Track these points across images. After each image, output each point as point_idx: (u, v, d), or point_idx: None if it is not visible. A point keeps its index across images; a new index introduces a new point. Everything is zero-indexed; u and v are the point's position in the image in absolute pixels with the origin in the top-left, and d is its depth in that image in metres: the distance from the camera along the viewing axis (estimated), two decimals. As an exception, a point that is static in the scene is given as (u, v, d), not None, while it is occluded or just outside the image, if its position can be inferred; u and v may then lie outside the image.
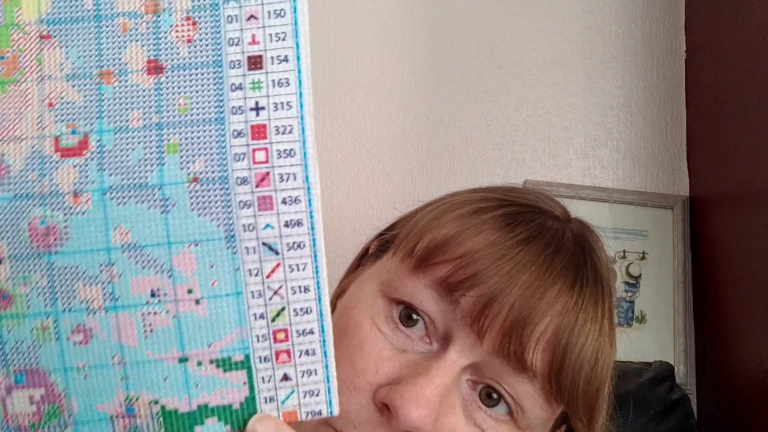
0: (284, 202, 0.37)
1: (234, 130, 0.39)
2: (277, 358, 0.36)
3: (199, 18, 0.40)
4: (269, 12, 0.41)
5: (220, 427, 0.36)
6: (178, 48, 0.39)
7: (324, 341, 0.36)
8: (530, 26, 1.24)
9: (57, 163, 0.36)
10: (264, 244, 0.36)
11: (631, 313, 1.11)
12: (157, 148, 0.37)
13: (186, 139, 0.37)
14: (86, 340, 0.36)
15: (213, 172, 0.37)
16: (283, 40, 0.42)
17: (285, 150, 0.39)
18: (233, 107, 0.39)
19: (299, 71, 0.42)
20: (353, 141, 1.24)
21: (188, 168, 0.37)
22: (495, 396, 0.42)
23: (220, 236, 0.36)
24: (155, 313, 0.36)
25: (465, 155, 1.22)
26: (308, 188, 0.38)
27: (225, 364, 0.36)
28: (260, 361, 0.36)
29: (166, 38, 0.39)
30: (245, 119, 0.39)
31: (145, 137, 0.37)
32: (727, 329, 1.01)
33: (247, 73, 0.40)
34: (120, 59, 0.37)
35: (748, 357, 0.94)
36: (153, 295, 0.36)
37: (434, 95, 1.24)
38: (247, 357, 0.36)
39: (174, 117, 0.37)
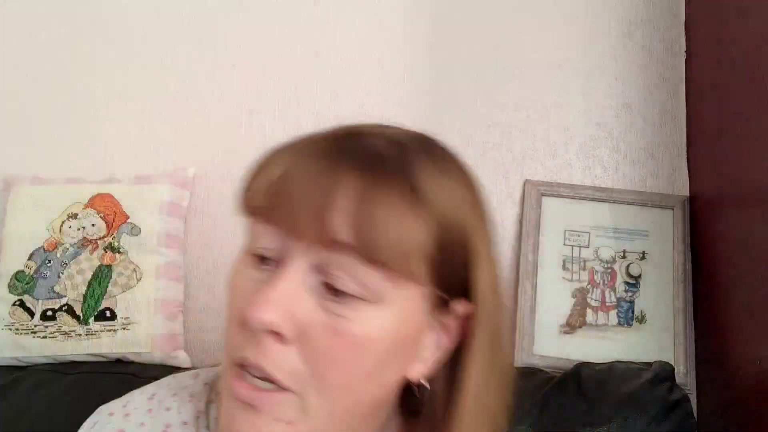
0: None
1: None
2: None
3: None
4: None
5: None
6: None
7: None
8: (530, 26, 1.24)
9: None
10: None
11: (631, 313, 1.11)
12: None
13: None
14: None
15: None
16: None
17: None
18: None
19: None
20: (353, 141, 1.24)
21: None
22: (339, 286, 0.48)
23: None
24: None
25: (465, 155, 1.21)
26: None
27: None
28: None
29: None
30: None
31: None
32: (727, 329, 1.01)
33: None
34: None
35: (748, 357, 0.94)
36: None
37: (434, 95, 1.24)
38: None
39: None
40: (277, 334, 0.47)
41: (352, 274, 0.47)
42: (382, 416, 0.55)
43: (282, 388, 0.48)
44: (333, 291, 0.48)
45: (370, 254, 0.47)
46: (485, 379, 0.54)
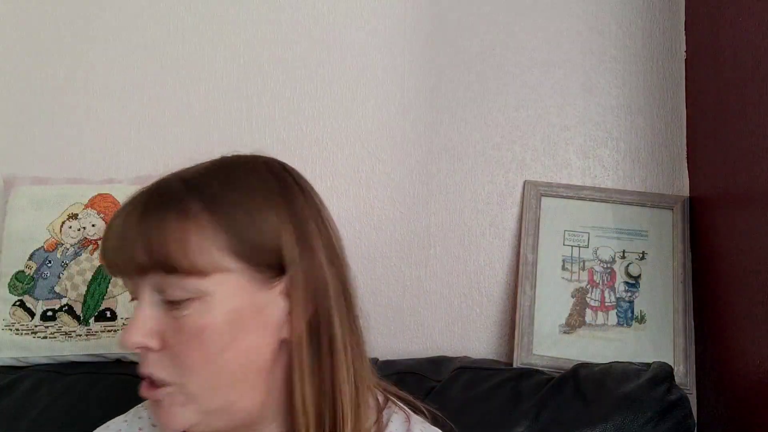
0: None
1: None
2: None
3: None
4: None
5: None
6: None
7: None
8: (530, 26, 1.24)
9: None
10: None
11: (631, 313, 1.11)
12: None
13: None
14: None
15: None
16: None
17: None
18: None
19: None
20: (353, 141, 1.25)
21: None
22: (172, 300, 0.62)
23: None
24: None
25: (465, 155, 1.23)
26: None
27: None
28: None
29: None
30: None
31: None
32: (727, 329, 1.01)
33: None
34: None
35: (748, 357, 0.94)
36: None
37: (434, 95, 1.24)
38: None
39: None
40: (148, 348, 0.62)
41: (173, 284, 0.61)
42: (275, 372, 0.66)
43: (168, 384, 0.63)
44: (170, 301, 0.62)
45: (167, 268, 0.61)
46: (320, 328, 0.66)
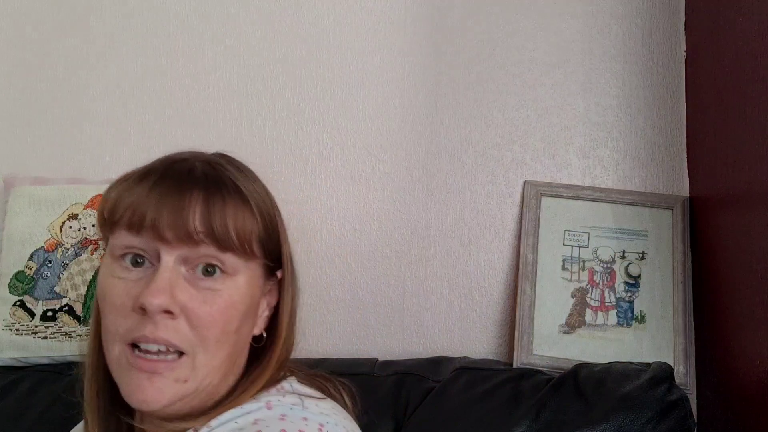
0: None
1: None
2: None
3: None
4: None
5: None
6: None
7: None
8: (530, 26, 1.24)
9: None
10: None
11: (631, 313, 1.11)
12: None
13: None
14: None
15: None
16: None
17: None
18: None
19: None
20: (353, 141, 1.25)
21: None
22: (209, 269, 0.65)
23: None
24: None
25: (465, 155, 1.23)
26: None
27: None
28: None
29: None
30: None
31: None
32: (727, 329, 1.01)
33: None
34: None
35: (748, 357, 0.94)
36: None
37: (434, 95, 1.24)
38: None
39: None
40: (168, 312, 0.62)
41: (213, 257, 0.64)
42: (242, 364, 0.71)
43: (178, 353, 0.64)
44: (204, 271, 0.65)
45: (221, 244, 0.64)
46: (291, 326, 0.74)
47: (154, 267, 0.65)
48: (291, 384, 0.71)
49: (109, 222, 0.67)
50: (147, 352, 0.63)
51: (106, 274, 0.67)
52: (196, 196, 0.65)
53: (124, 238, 0.65)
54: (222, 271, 0.65)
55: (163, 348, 0.63)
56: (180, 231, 0.63)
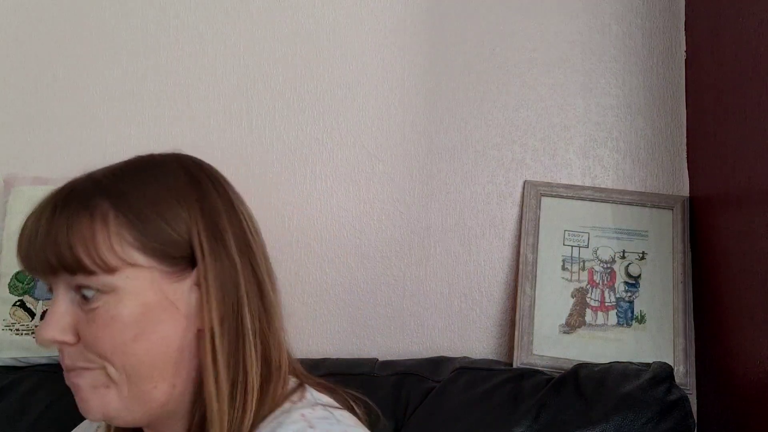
0: None
1: None
2: None
3: None
4: None
5: None
6: None
7: None
8: (530, 26, 1.24)
9: None
10: None
11: (631, 313, 1.11)
12: None
13: None
14: None
15: None
16: None
17: None
18: None
19: None
20: (353, 141, 1.25)
21: None
22: (83, 293, 0.64)
23: None
24: None
25: (465, 155, 1.23)
26: None
27: None
28: None
29: None
30: None
31: None
32: (727, 329, 1.01)
33: None
34: None
35: (748, 357, 0.94)
36: None
37: (434, 95, 1.24)
38: None
39: None
40: (64, 342, 0.64)
41: (82, 281, 0.63)
42: (191, 363, 0.68)
43: (89, 368, 0.65)
44: (82, 296, 0.64)
45: (72, 269, 0.63)
46: (227, 318, 0.67)
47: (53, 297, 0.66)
48: (311, 393, 0.70)
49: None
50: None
51: None
52: (45, 220, 0.64)
53: None
54: (97, 290, 0.64)
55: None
56: (39, 264, 0.64)
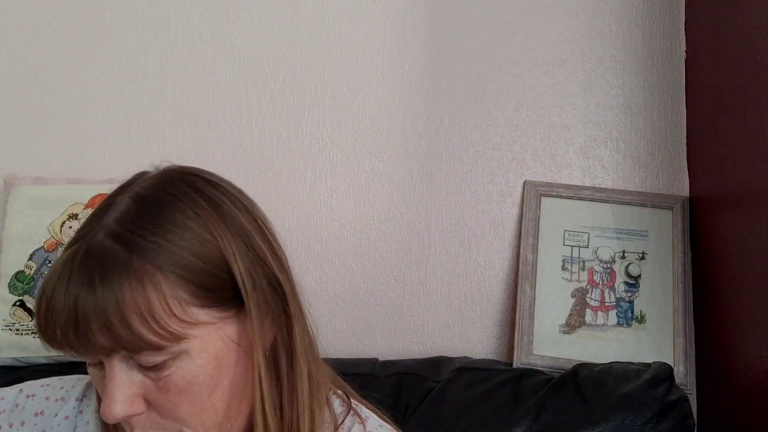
0: None
1: None
2: None
3: None
4: None
5: None
6: None
7: None
8: (530, 26, 1.24)
9: None
10: None
11: (631, 313, 1.11)
12: None
13: None
14: None
15: None
16: None
17: None
18: None
19: None
20: (353, 141, 1.25)
21: None
22: (145, 364, 0.58)
23: None
24: None
25: (465, 155, 1.23)
26: None
27: None
28: None
29: None
30: None
31: None
32: (727, 329, 1.01)
33: None
34: None
35: (748, 357, 0.94)
36: None
37: (434, 95, 1.24)
38: None
39: None
40: (135, 415, 0.59)
41: (148, 358, 0.57)
42: (249, 398, 0.64)
43: None
44: (146, 367, 0.58)
45: (131, 350, 0.56)
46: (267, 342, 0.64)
47: (107, 370, 0.60)
48: (361, 408, 0.70)
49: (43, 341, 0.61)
50: None
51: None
52: (89, 301, 0.55)
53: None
54: (164, 358, 0.58)
55: None
56: (89, 346, 0.56)
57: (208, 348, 0.60)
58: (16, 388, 0.75)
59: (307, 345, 0.66)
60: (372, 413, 0.72)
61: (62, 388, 0.74)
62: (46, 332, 0.58)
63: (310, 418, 0.65)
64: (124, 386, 0.58)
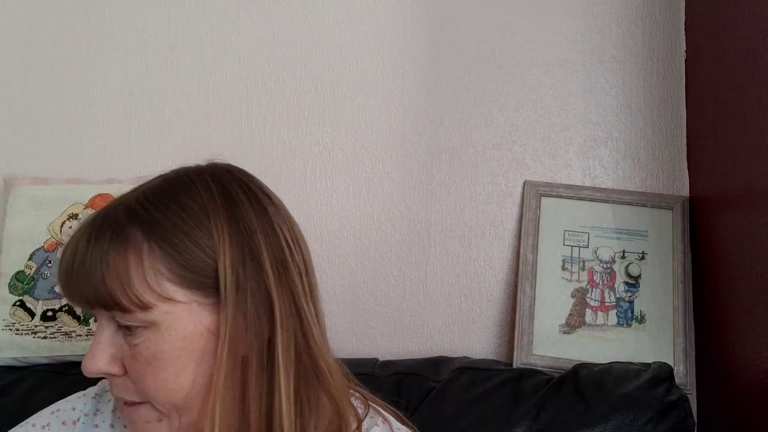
0: None
1: None
2: None
3: None
4: None
5: None
6: None
7: None
8: (530, 26, 1.24)
9: None
10: None
11: (631, 313, 1.11)
12: None
13: None
14: None
15: None
16: None
17: None
18: None
19: None
20: (353, 141, 1.25)
21: None
22: (123, 323, 0.62)
23: None
24: None
25: (465, 155, 1.23)
26: None
27: None
28: None
29: None
30: None
31: None
32: (727, 329, 1.01)
33: None
34: None
35: (748, 357, 0.94)
36: None
37: (434, 95, 1.24)
38: None
39: None
40: (111, 374, 0.63)
41: (119, 318, 0.61)
42: (236, 390, 0.63)
43: (139, 403, 0.64)
44: (125, 327, 0.62)
45: (108, 306, 0.60)
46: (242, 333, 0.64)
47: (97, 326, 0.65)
48: (379, 410, 0.71)
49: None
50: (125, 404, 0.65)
51: None
52: (82, 253, 0.61)
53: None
54: (137, 325, 0.61)
55: None
56: (77, 296, 0.62)
57: (178, 327, 0.62)
58: (27, 423, 0.76)
59: (294, 353, 0.65)
60: (389, 415, 0.73)
61: (73, 409, 0.76)
62: (59, 282, 0.64)
63: (289, 427, 0.63)
64: (106, 344, 0.63)
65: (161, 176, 0.68)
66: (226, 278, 0.62)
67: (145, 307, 0.60)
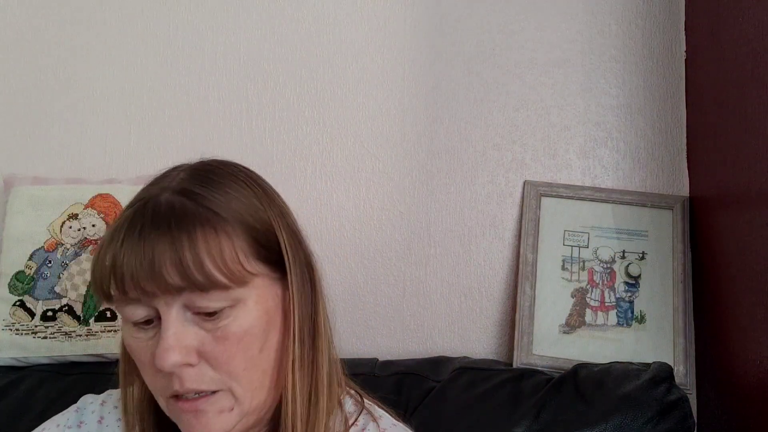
0: None
1: None
2: None
3: None
4: None
5: None
6: None
7: None
8: (530, 26, 1.24)
9: None
10: None
11: (631, 313, 1.11)
12: None
13: None
14: None
15: None
16: None
17: None
18: None
19: None
20: (353, 141, 1.25)
21: None
22: (204, 310, 0.62)
23: None
24: None
25: (465, 155, 1.23)
26: None
27: None
28: None
29: None
30: None
31: None
32: (727, 329, 1.01)
33: None
34: None
35: (748, 357, 0.94)
36: None
37: (434, 95, 1.24)
38: None
39: None
40: (188, 365, 0.62)
41: (208, 298, 0.61)
42: (288, 365, 0.67)
43: (215, 391, 0.63)
44: (205, 314, 0.62)
45: (200, 288, 0.60)
46: (305, 320, 0.68)
47: (161, 322, 0.63)
48: (374, 408, 0.72)
49: (104, 295, 0.64)
50: (186, 398, 0.64)
51: (126, 335, 0.66)
52: (163, 242, 0.61)
53: (124, 308, 0.64)
54: (224, 306, 0.63)
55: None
56: (161, 285, 0.60)
57: (263, 302, 0.65)
58: None
59: (328, 329, 0.70)
60: (385, 413, 0.74)
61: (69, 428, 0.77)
62: (110, 286, 0.62)
63: (329, 399, 0.68)
64: (181, 335, 0.62)
65: (182, 171, 0.68)
66: (288, 252, 0.67)
67: (242, 282, 0.62)
